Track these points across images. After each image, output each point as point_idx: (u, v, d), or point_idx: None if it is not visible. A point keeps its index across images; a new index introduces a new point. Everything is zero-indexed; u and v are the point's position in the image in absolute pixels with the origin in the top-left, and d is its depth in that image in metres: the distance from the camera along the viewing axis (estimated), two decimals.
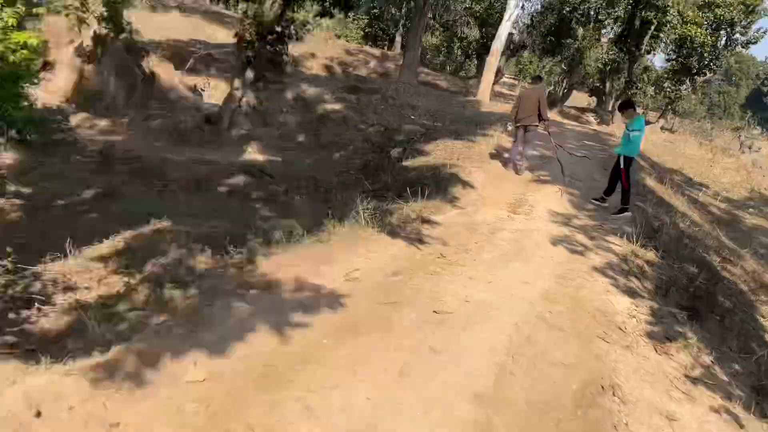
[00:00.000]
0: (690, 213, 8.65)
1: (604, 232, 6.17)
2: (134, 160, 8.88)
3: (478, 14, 25.91)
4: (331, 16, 12.59)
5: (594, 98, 27.67)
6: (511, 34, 23.46)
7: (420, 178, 7.95)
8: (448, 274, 4.44)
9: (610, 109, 25.13)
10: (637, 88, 25.15)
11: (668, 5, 21.58)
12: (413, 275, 4.34)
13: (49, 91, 10.85)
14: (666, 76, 25.57)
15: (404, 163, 9.00)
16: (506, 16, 19.71)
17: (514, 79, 32.86)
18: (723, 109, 51.16)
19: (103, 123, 10.68)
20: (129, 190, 7.70)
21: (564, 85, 27.12)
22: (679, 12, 22.35)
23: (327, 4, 11.38)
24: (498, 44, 19.63)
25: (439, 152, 9.49)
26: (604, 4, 23.81)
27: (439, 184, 7.53)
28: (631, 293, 4.48)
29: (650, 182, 9.79)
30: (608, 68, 24.81)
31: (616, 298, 4.31)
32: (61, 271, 4.27)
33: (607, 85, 25.58)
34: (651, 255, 5.51)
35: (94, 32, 11.37)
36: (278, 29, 11.07)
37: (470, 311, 3.82)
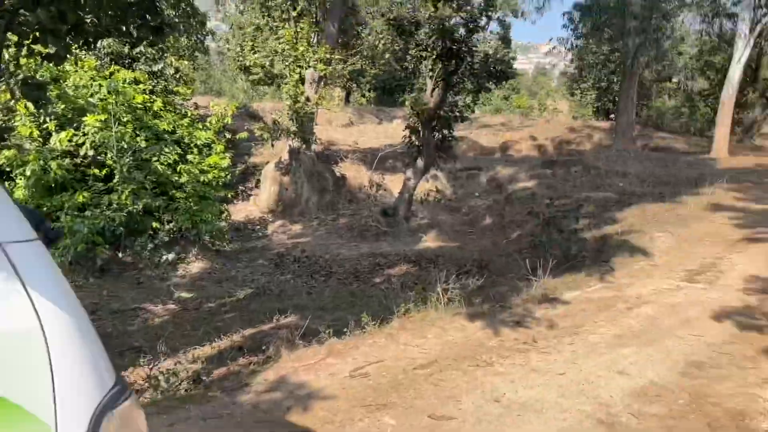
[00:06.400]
0: None
1: None
2: (305, 259, 11.11)
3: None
4: (488, 90, 14.10)
5: None
6: (765, 79, 24.48)
7: (584, 249, 8.77)
8: (503, 365, 4.49)
9: None
10: None
11: None
12: (452, 367, 4.46)
13: (256, 204, 15.30)
14: None
15: (584, 235, 9.87)
16: (735, 58, 20.30)
17: None
18: None
19: (296, 227, 14.10)
20: (285, 286, 9.29)
21: None
22: None
23: (482, 80, 12.87)
24: (729, 92, 20.65)
25: (630, 219, 10.57)
26: None
27: (601, 254, 8.29)
28: None
29: None
30: None
31: None
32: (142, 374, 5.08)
33: None
34: None
35: (289, 147, 15.09)
36: (441, 114, 12.81)
37: (489, 417, 3.72)
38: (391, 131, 22.45)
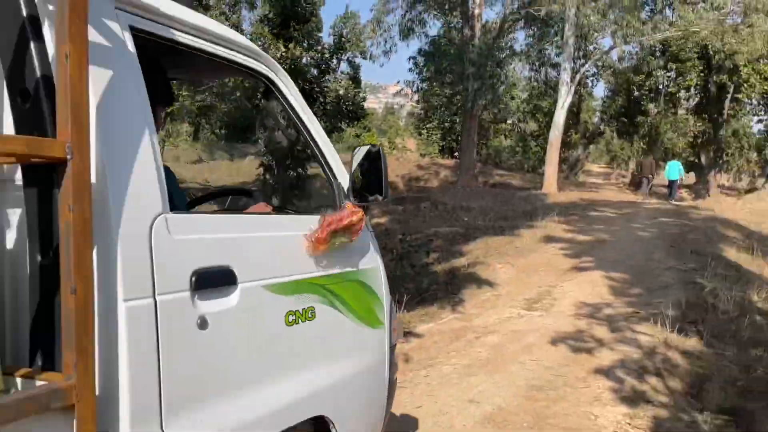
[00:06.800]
0: None
1: (638, 320, 6.65)
2: None
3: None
4: (341, 129, 14.55)
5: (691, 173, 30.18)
6: (585, 122, 27.58)
7: (435, 282, 9.07)
8: None
9: (708, 181, 27.54)
10: (727, 155, 27.97)
11: (739, 65, 23.66)
12: None
13: None
14: (765, 137, 28.16)
15: (435, 269, 10.25)
16: (559, 104, 22.45)
17: (607, 167, 36.88)
18: None
19: None
20: None
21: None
22: (754, 69, 24.32)
23: (334, 120, 13.36)
24: (556, 133, 22.97)
25: (475, 252, 11.12)
26: (672, 75, 26.91)
27: (451, 286, 8.64)
28: (636, 399, 4.59)
29: (733, 254, 10.72)
30: (700, 140, 27.32)
31: (605, 409, 4.42)
32: None
33: (702, 157, 27.77)
34: (692, 342, 5.83)
35: None
36: (295, 152, 13.22)
37: None
38: (244, 169, 22.26)
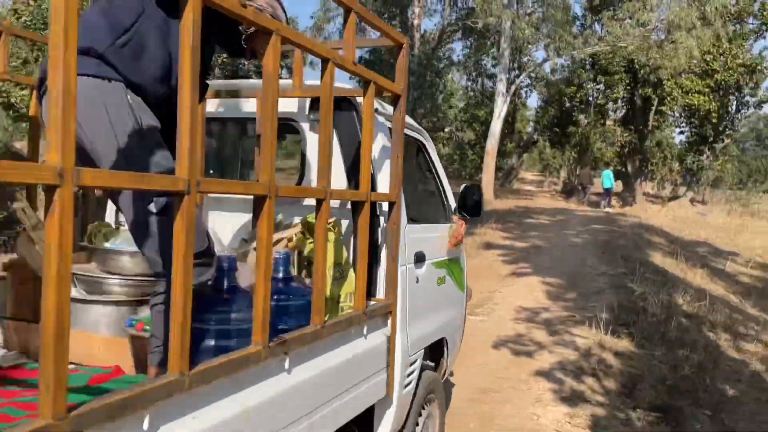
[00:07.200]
0: (709, 286, 9.51)
1: (574, 323, 6.96)
2: None
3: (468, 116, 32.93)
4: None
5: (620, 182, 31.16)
6: (520, 132, 29.28)
7: None
8: None
9: (635, 190, 28.67)
10: (652, 164, 28.96)
11: (663, 79, 24.82)
12: None
13: None
14: (686, 148, 29.51)
15: None
16: (496, 114, 22.83)
17: (540, 175, 38.69)
18: (765, 174, 53.33)
19: None
20: None
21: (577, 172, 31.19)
22: (676, 83, 25.54)
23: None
24: (492, 142, 23.22)
25: None
26: (601, 87, 27.96)
27: None
28: (575, 399, 4.83)
29: (659, 259, 11.24)
30: (626, 150, 28.32)
31: (546, 409, 4.64)
32: None
33: (629, 166, 28.88)
34: (625, 343, 6.14)
35: None
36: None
37: None
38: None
